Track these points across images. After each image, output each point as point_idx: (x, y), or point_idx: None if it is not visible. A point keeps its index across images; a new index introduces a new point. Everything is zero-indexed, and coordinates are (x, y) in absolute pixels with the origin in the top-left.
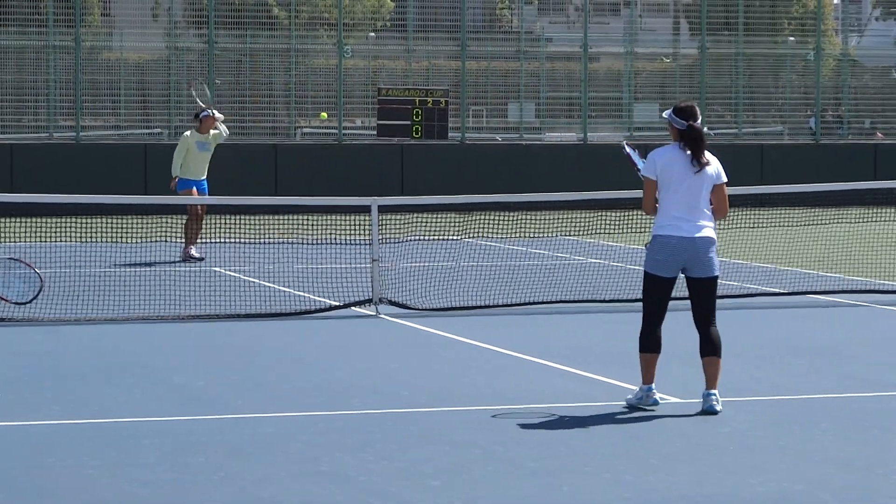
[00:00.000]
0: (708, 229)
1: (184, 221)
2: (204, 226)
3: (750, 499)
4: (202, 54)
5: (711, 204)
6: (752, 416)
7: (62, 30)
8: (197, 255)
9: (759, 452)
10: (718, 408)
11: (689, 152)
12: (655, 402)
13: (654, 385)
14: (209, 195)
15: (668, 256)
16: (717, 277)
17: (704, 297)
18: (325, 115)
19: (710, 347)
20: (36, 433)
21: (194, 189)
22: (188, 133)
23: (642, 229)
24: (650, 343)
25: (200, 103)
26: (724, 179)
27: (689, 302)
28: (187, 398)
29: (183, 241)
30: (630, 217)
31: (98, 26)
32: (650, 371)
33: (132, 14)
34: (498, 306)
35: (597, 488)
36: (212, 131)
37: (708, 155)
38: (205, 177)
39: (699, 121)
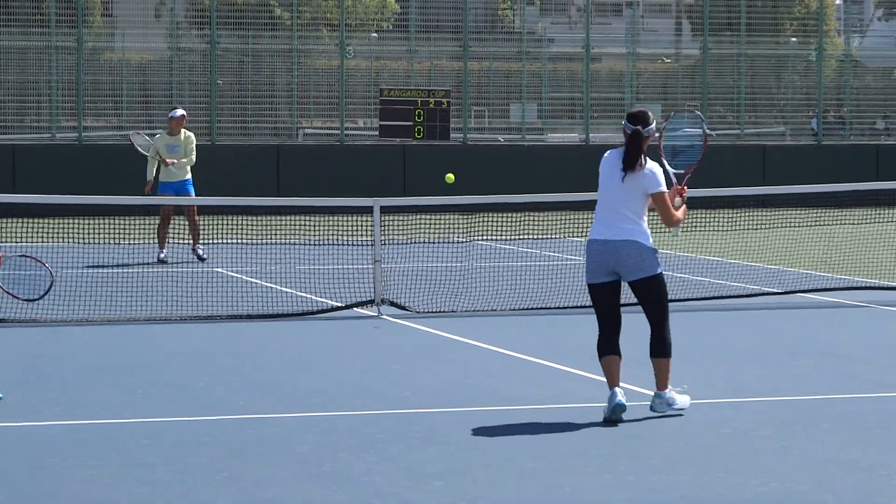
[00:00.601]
0: (630, 231)
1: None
2: (206, 226)
3: (752, 499)
4: (204, 55)
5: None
6: (754, 417)
7: (64, 30)
8: (202, 253)
9: (761, 453)
10: (665, 408)
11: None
12: (619, 406)
13: (618, 388)
14: (196, 195)
15: (592, 262)
16: (652, 278)
17: (643, 299)
18: (451, 176)
19: (656, 349)
20: (37, 434)
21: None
22: (158, 135)
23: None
24: (602, 347)
25: (143, 152)
26: (661, 189)
27: (689, 303)
28: (189, 399)
29: (157, 242)
30: None
31: (100, 27)
32: (611, 375)
33: (134, 14)
34: (503, 311)
35: (599, 489)
36: (184, 132)
37: (650, 164)
38: (185, 177)
39: (649, 127)
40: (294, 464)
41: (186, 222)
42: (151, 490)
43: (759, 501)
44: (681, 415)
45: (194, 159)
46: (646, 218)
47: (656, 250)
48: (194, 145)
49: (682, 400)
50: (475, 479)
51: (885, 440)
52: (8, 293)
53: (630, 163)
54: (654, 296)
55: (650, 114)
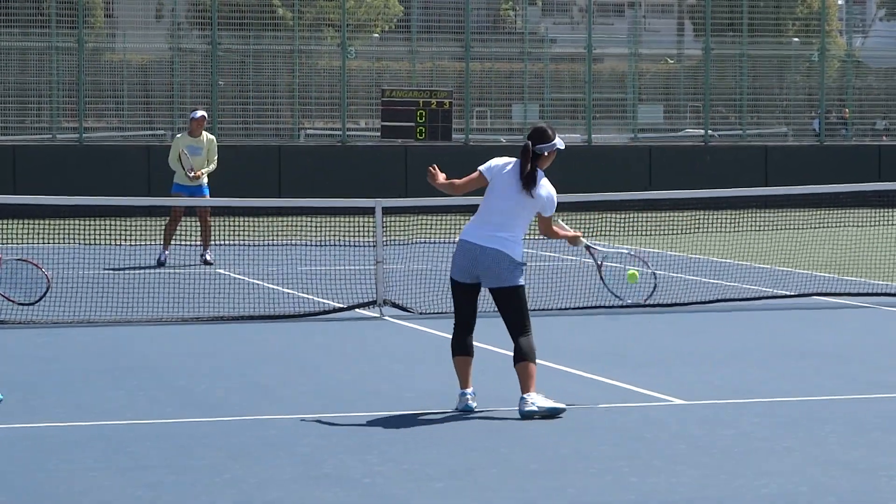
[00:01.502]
0: (502, 241)
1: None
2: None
3: (753, 501)
4: (205, 55)
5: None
6: (756, 419)
7: (65, 31)
8: (210, 258)
9: (763, 454)
10: (533, 409)
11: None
12: (467, 408)
13: (469, 390)
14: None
15: (461, 260)
16: (510, 289)
17: (501, 307)
18: (635, 274)
19: (519, 354)
20: (38, 436)
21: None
22: (179, 136)
23: (647, 231)
24: (456, 346)
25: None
26: (553, 214)
27: (695, 308)
28: (190, 400)
29: (162, 243)
30: (635, 219)
31: (101, 27)
32: (462, 374)
33: (135, 15)
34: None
35: (601, 490)
36: (205, 135)
37: (547, 185)
38: (202, 183)
39: (544, 145)
40: (295, 465)
41: (199, 226)
42: (152, 492)
43: (761, 502)
44: (683, 417)
45: (216, 165)
46: (523, 232)
47: (524, 264)
48: (216, 148)
49: (549, 403)
50: (477, 480)
51: (886, 441)
52: (4, 297)
53: (527, 184)
54: (512, 305)
55: (550, 131)
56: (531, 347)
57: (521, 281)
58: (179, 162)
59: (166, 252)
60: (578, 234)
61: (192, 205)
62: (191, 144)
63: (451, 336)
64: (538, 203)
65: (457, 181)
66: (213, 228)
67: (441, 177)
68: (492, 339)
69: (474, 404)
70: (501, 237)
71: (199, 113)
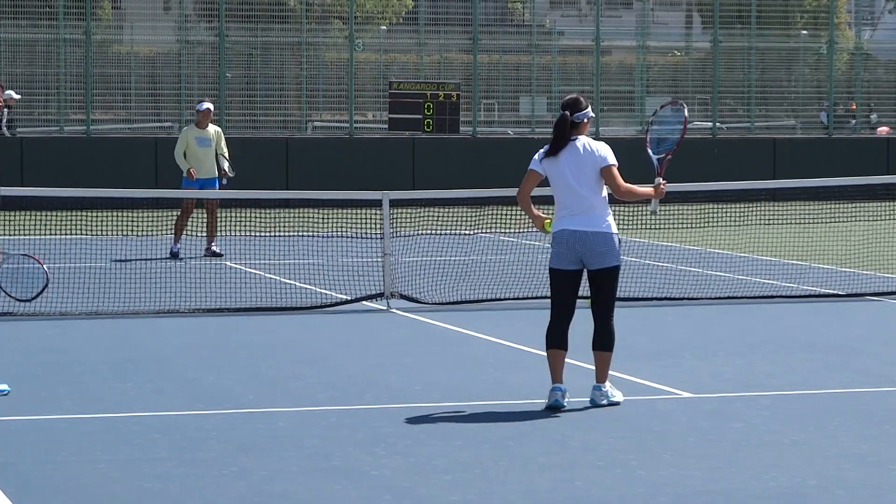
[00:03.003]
0: (594, 221)
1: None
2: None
3: (763, 494)
4: (213, 47)
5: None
6: (765, 412)
7: (73, 23)
8: (217, 249)
9: (772, 448)
10: (604, 402)
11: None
12: (556, 404)
13: (561, 385)
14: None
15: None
16: (614, 269)
17: (600, 288)
18: (549, 222)
19: (599, 342)
20: (47, 428)
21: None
22: (186, 128)
23: (654, 224)
24: (553, 338)
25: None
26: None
27: (704, 301)
28: (198, 393)
29: (173, 235)
30: (642, 211)
31: (109, 19)
32: (556, 368)
33: (143, 7)
34: (509, 299)
35: (609, 483)
36: (212, 126)
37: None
38: (213, 175)
39: (580, 112)
40: (303, 458)
41: (206, 218)
42: (160, 484)
43: (770, 496)
44: (692, 410)
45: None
46: (605, 200)
47: (620, 240)
48: (223, 138)
49: (617, 396)
50: (485, 473)
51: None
52: (3, 291)
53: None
54: (611, 286)
55: (584, 100)
56: (612, 337)
57: (620, 260)
58: (184, 158)
59: (179, 244)
60: (660, 185)
61: (200, 197)
62: (199, 136)
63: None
64: (593, 158)
65: (532, 207)
66: (220, 220)
67: (534, 212)
68: (500, 331)
69: (566, 402)
70: (594, 216)
71: (206, 105)
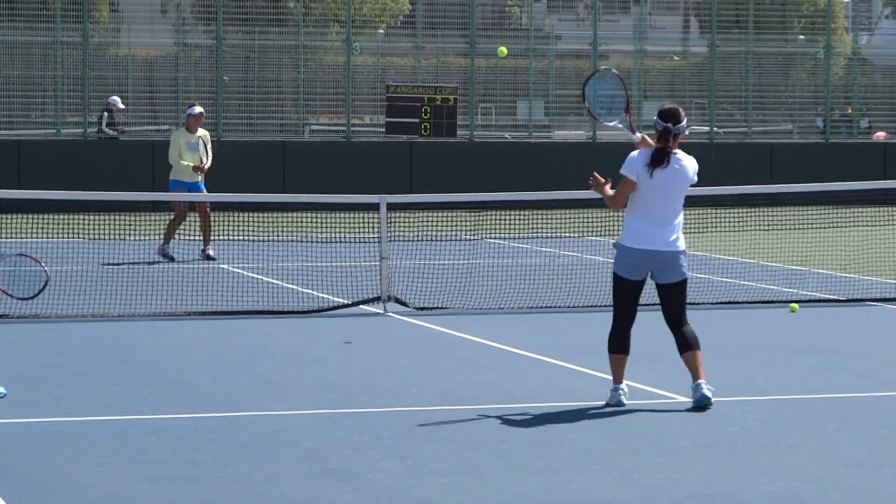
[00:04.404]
0: (675, 238)
1: (170, 218)
2: (213, 223)
3: (759, 498)
4: (210, 50)
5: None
6: (761, 415)
7: (70, 25)
8: (212, 253)
9: (768, 451)
10: (710, 395)
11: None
12: (620, 403)
13: (622, 386)
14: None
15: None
16: (684, 282)
17: (671, 299)
18: (503, 50)
19: (685, 344)
20: (44, 430)
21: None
22: (177, 131)
23: None
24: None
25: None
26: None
27: (701, 305)
28: (195, 396)
29: (163, 238)
30: None
31: (106, 22)
32: (618, 371)
33: (140, 10)
34: (506, 309)
35: (605, 486)
36: (200, 131)
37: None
38: (199, 179)
39: (681, 124)
40: (300, 461)
41: (199, 221)
42: (157, 486)
43: (766, 500)
44: (688, 413)
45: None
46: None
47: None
48: (210, 143)
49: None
50: (481, 476)
51: (892, 439)
52: (3, 291)
53: (669, 162)
54: (681, 297)
55: (681, 111)
56: (696, 336)
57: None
58: (180, 158)
59: (169, 245)
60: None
61: (192, 200)
62: (189, 141)
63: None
64: (686, 177)
65: (616, 195)
66: (216, 224)
67: (607, 186)
68: (496, 335)
69: (626, 400)
70: (675, 234)
71: (198, 109)
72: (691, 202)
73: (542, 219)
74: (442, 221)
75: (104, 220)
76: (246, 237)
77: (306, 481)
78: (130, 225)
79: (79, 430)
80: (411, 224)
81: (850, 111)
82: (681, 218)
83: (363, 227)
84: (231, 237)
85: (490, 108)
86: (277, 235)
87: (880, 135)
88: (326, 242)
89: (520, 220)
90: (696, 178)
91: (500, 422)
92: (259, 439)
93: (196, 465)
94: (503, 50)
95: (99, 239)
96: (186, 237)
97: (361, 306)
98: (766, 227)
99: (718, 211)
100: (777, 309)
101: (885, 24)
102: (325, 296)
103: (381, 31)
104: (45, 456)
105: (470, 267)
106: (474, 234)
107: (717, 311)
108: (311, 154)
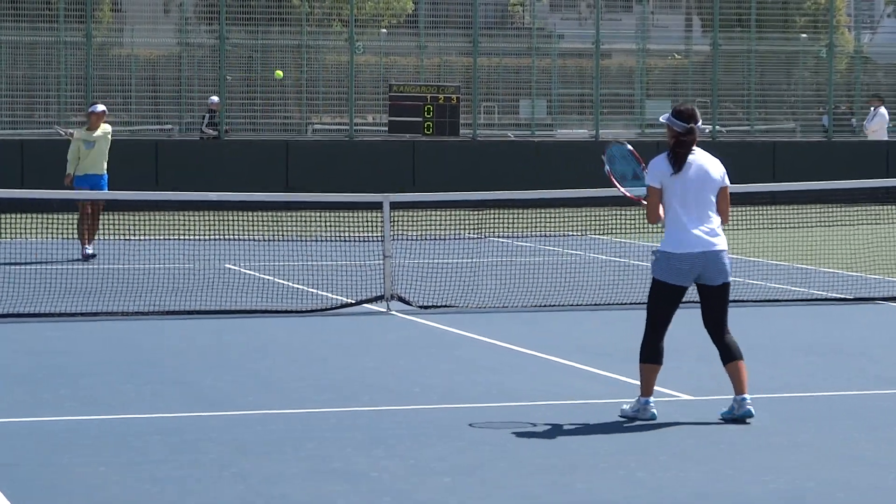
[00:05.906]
0: (717, 237)
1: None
2: (216, 222)
3: (763, 497)
4: (213, 50)
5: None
6: (766, 414)
7: (73, 25)
8: (91, 251)
9: (772, 450)
10: (752, 409)
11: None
12: (652, 417)
13: (651, 399)
14: (108, 190)
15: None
16: (729, 283)
17: (717, 303)
18: (280, 73)
19: (729, 355)
20: (47, 430)
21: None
22: (76, 130)
23: (655, 227)
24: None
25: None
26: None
27: (697, 303)
28: (197, 395)
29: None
30: (643, 214)
31: (109, 22)
32: (649, 382)
33: (143, 10)
34: (513, 307)
35: (610, 486)
36: (103, 127)
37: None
38: (100, 172)
39: (701, 123)
40: (302, 460)
41: (89, 221)
42: (159, 486)
43: (770, 498)
44: (693, 412)
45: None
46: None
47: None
48: (109, 142)
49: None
50: (484, 476)
51: None
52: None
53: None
54: (726, 299)
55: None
56: (738, 346)
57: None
58: (78, 155)
59: (90, 247)
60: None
61: (91, 198)
62: (85, 139)
63: (471, 333)
64: (714, 177)
65: (647, 207)
66: (221, 223)
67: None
68: (499, 334)
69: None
70: (718, 234)
71: (100, 107)
72: None
73: (545, 217)
74: (445, 220)
75: (107, 219)
76: (249, 236)
77: (308, 481)
78: (133, 224)
79: (81, 429)
80: (414, 223)
81: (849, 107)
82: (718, 220)
83: (366, 226)
84: (234, 236)
85: (493, 107)
86: (280, 235)
87: (873, 129)
88: (329, 241)
89: (523, 218)
90: (726, 181)
91: (503, 421)
92: (261, 439)
93: (198, 465)
94: (279, 73)
95: (101, 238)
96: (189, 237)
97: (365, 305)
98: (767, 226)
99: None
100: (782, 307)
101: (887, 22)
102: (329, 294)
103: (384, 30)
104: (48, 455)
105: (473, 266)
106: (477, 233)
107: None
108: (314, 153)
